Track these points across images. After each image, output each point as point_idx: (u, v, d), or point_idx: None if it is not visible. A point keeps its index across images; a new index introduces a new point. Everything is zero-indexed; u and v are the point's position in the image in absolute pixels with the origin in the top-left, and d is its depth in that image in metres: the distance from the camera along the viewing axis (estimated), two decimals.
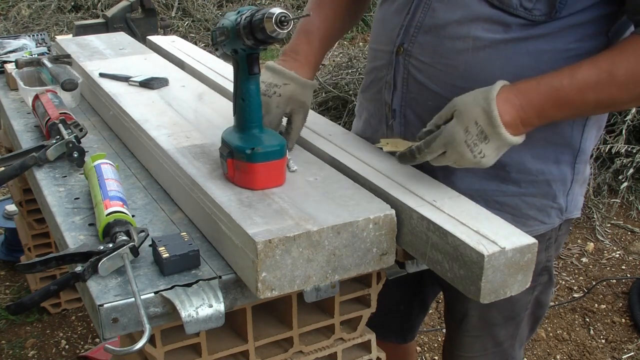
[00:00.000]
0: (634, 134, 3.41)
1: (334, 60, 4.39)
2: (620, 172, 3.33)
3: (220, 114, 1.42)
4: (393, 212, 1.01)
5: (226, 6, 6.56)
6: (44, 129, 1.46)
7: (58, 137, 1.38)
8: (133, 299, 0.92)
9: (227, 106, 1.43)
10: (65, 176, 1.33)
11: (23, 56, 1.92)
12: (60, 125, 1.41)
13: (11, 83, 1.90)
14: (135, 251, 1.00)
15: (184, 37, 5.63)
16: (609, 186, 3.40)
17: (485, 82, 1.04)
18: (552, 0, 1.03)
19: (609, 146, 3.23)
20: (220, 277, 0.99)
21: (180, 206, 1.20)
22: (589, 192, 3.29)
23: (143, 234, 1.03)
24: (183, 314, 0.92)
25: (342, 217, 0.98)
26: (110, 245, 1.01)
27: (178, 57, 1.96)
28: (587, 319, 2.64)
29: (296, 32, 1.31)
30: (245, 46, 1.02)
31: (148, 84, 1.61)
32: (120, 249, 0.98)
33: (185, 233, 1.05)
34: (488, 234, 0.93)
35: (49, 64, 1.79)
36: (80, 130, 1.42)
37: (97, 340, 2.47)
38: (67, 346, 2.45)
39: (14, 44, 2.15)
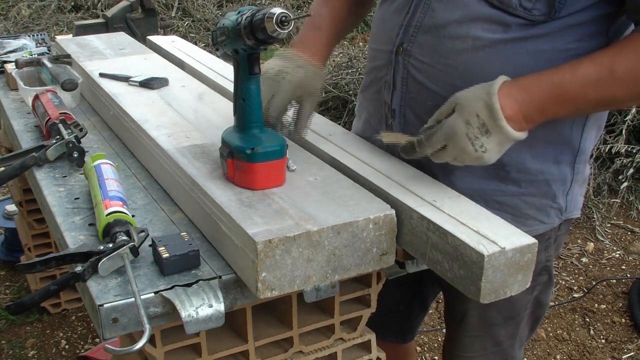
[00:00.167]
0: (634, 134, 3.41)
1: (334, 60, 4.38)
2: (620, 172, 3.33)
3: (220, 114, 1.42)
4: (393, 212, 1.01)
5: (226, 6, 6.56)
6: (44, 129, 1.46)
7: (58, 137, 1.38)
8: (133, 299, 0.92)
9: (227, 106, 1.43)
10: (65, 176, 1.33)
11: (23, 56, 1.92)
12: (60, 125, 1.41)
13: (11, 83, 1.90)
14: (135, 251, 1.00)
15: (184, 37, 5.63)
16: (609, 186, 3.41)
17: (485, 82, 1.04)
18: (551, 0, 1.03)
19: (609, 146, 3.23)
20: (220, 277, 0.99)
21: (180, 206, 1.20)
22: (589, 192, 3.29)
23: (143, 234, 1.03)
24: (183, 314, 0.92)
25: (342, 217, 0.98)
26: (110, 245, 1.01)
27: (178, 57, 1.96)
28: (587, 319, 2.64)
29: (304, 26, 1.31)
30: (245, 46, 1.02)
31: (148, 84, 1.61)
32: (120, 249, 0.98)
33: (185, 233, 1.05)
34: (488, 234, 0.93)
35: (49, 64, 1.79)
36: (80, 130, 1.42)
37: (97, 340, 2.47)
38: (67, 346, 2.45)
39: (14, 44, 2.15)
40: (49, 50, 2.13)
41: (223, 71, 1.76)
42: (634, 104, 1.10)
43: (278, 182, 1.09)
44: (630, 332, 2.55)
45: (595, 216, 3.25)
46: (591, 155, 1.55)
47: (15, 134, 1.59)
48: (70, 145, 1.36)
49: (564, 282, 2.86)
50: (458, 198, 1.05)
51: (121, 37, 2.22)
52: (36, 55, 1.91)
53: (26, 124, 1.64)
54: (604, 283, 2.83)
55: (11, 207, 2.81)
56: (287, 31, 0.95)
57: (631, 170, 3.26)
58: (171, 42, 2.16)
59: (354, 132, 1.39)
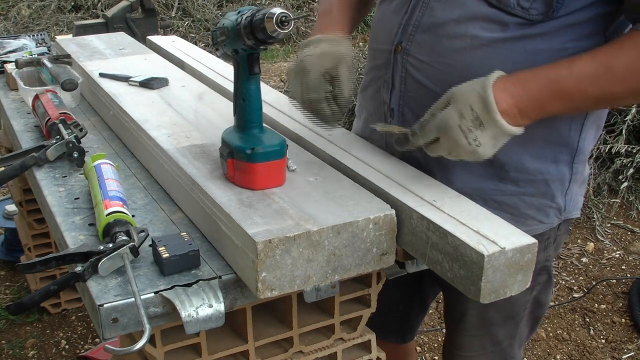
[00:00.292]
0: (634, 134, 3.41)
1: None
2: (620, 172, 3.33)
3: (220, 114, 1.42)
4: (393, 212, 1.01)
5: (226, 6, 6.56)
6: (44, 129, 1.46)
7: (58, 137, 1.38)
8: (133, 299, 0.92)
9: (227, 106, 1.43)
10: (65, 176, 1.34)
11: (23, 56, 1.92)
12: (60, 125, 1.41)
13: (11, 83, 1.90)
14: (135, 251, 1.00)
15: (184, 37, 5.63)
16: (609, 186, 3.41)
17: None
18: None
19: (609, 146, 3.23)
20: (220, 277, 0.99)
21: (180, 206, 1.20)
22: (589, 192, 3.29)
23: (143, 234, 1.03)
24: (183, 314, 0.92)
25: (342, 217, 0.98)
26: (110, 245, 1.01)
27: (178, 57, 1.97)
28: (587, 319, 2.64)
29: (317, 17, 1.30)
30: (245, 46, 1.02)
31: (148, 84, 1.61)
32: (120, 249, 0.98)
33: (185, 233, 1.05)
34: (488, 234, 0.93)
35: (49, 64, 1.79)
36: (80, 130, 1.43)
37: (97, 340, 2.47)
38: (67, 346, 2.45)
39: (14, 44, 2.15)
40: (49, 50, 2.13)
41: (223, 71, 1.76)
42: (631, 102, 1.09)
43: (278, 182, 1.09)
44: (630, 332, 2.55)
45: (595, 216, 3.25)
46: (591, 155, 1.55)
47: (15, 134, 1.59)
48: (70, 145, 1.36)
49: (564, 282, 2.86)
50: (458, 198, 1.05)
51: (121, 37, 2.22)
52: (36, 55, 1.91)
53: (26, 124, 1.64)
54: (604, 283, 2.83)
55: (11, 207, 2.81)
56: (287, 31, 0.95)
57: (631, 170, 3.26)
58: (171, 42, 2.16)
59: (354, 132, 1.39)
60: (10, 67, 1.90)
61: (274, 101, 1.51)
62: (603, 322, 2.62)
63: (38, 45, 2.19)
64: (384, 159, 1.20)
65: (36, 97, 1.58)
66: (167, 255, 0.98)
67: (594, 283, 2.82)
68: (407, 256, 1.07)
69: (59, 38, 2.22)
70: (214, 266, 1.02)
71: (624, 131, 3.22)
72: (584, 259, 3.02)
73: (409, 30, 1.17)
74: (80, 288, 1.02)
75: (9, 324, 2.53)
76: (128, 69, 1.75)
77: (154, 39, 2.24)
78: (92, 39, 2.18)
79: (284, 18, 0.93)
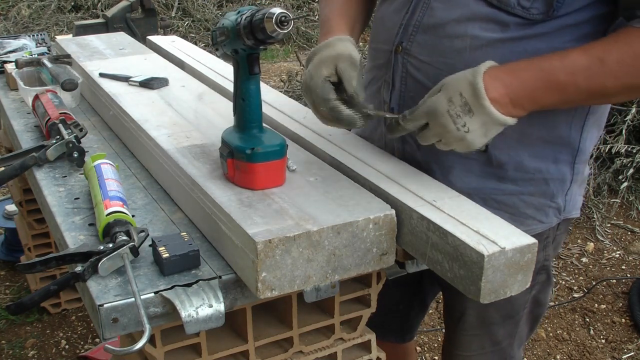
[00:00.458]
0: (634, 134, 3.41)
1: None
2: (620, 172, 3.33)
3: (220, 114, 1.42)
4: (393, 212, 1.01)
5: (226, 6, 6.56)
6: (44, 129, 1.46)
7: (58, 137, 1.38)
8: (133, 299, 0.92)
9: (227, 106, 1.43)
10: (65, 176, 1.34)
11: (23, 56, 1.92)
12: (60, 125, 1.41)
13: (11, 83, 1.90)
14: (135, 251, 1.00)
15: (184, 37, 5.63)
16: (609, 186, 3.41)
17: None
18: None
19: (609, 146, 3.23)
20: (220, 277, 0.99)
21: (180, 206, 1.20)
22: (588, 192, 3.29)
23: (143, 234, 1.03)
24: (183, 314, 0.92)
25: (342, 217, 0.98)
26: (110, 245, 1.01)
27: (178, 57, 1.97)
28: (587, 319, 2.64)
29: (320, 30, 1.29)
30: (245, 46, 1.02)
31: (148, 84, 1.61)
32: (120, 249, 0.98)
33: (185, 233, 1.05)
34: (488, 234, 0.93)
35: (49, 64, 1.79)
36: (80, 130, 1.43)
37: (97, 340, 2.47)
38: (67, 346, 2.45)
39: (14, 44, 2.15)
40: (49, 50, 2.13)
41: (223, 71, 1.76)
42: (624, 97, 1.08)
43: (278, 182, 1.09)
44: (630, 332, 2.55)
45: (595, 216, 3.25)
46: (591, 155, 1.55)
47: (15, 134, 1.59)
48: (70, 145, 1.36)
49: (564, 282, 2.86)
50: (458, 198, 1.05)
51: (121, 37, 2.22)
52: (36, 55, 1.91)
53: (26, 124, 1.64)
54: (604, 283, 2.83)
55: (11, 207, 2.81)
56: (286, 31, 0.95)
57: (631, 170, 3.26)
58: (171, 42, 2.16)
59: (354, 132, 1.39)
60: (10, 67, 1.90)
61: (274, 101, 1.51)
62: (603, 322, 2.62)
63: (38, 45, 2.19)
64: (384, 159, 1.20)
65: (36, 97, 1.58)
66: (167, 255, 0.98)
67: (594, 283, 2.82)
68: (407, 256, 1.07)
69: (59, 38, 2.22)
70: (214, 266, 1.02)
71: (624, 131, 3.23)
72: (584, 259, 3.02)
73: (409, 31, 1.17)
74: (80, 288, 1.02)
75: (9, 324, 2.53)
76: (128, 69, 1.75)
77: (154, 39, 2.24)
78: (92, 39, 2.18)
79: (283, 18, 0.93)
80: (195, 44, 5.01)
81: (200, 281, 0.97)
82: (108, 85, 1.63)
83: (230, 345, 1.06)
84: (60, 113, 1.47)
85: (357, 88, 1.08)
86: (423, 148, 1.19)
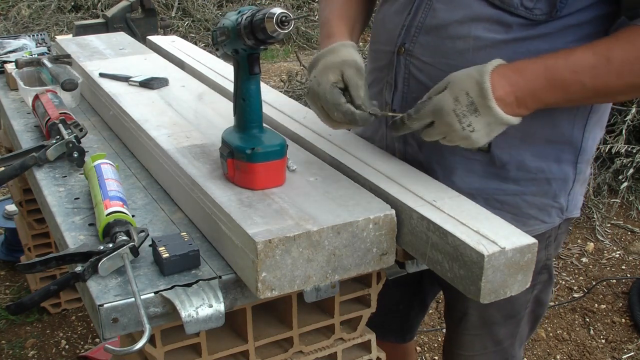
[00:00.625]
0: (634, 134, 3.41)
1: None
2: (620, 172, 3.33)
3: (220, 114, 1.42)
4: (393, 212, 1.01)
5: (226, 6, 6.56)
6: (44, 129, 1.46)
7: (58, 137, 1.38)
8: (133, 299, 0.92)
9: (227, 106, 1.43)
10: (65, 176, 1.34)
11: (23, 56, 1.92)
12: (60, 125, 1.41)
13: (11, 83, 1.90)
14: (135, 251, 1.00)
15: (184, 37, 5.63)
16: (609, 186, 3.41)
17: None
18: None
19: (609, 146, 3.24)
20: (220, 277, 0.99)
21: (180, 206, 1.20)
22: (589, 192, 3.29)
23: (143, 234, 1.03)
24: (183, 314, 0.92)
25: (342, 217, 0.98)
26: (110, 245, 1.01)
27: (178, 57, 1.97)
28: (587, 319, 2.64)
29: (320, 32, 1.29)
30: (246, 46, 1.02)
31: (148, 84, 1.61)
32: (120, 249, 0.98)
33: (185, 233, 1.05)
34: (488, 234, 0.93)
35: (49, 64, 1.79)
36: (80, 130, 1.43)
37: (97, 340, 2.47)
38: (67, 346, 2.45)
39: (14, 44, 2.15)
40: (49, 50, 2.13)
41: (223, 71, 1.76)
42: (627, 96, 1.09)
43: (278, 182, 1.09)
44: (630, 332, 2.55)
45: (595, 216, 3.25)
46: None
47: (15, 134, 1.59)
48: (70, 145, 1.36)
49: (564, 282, 2.86)
50: (458, 198, 1.05)
51: (121, 37, 2.22)
52: (36, 55, 1.91)
53: (26, 124, 1.64)
54: (604, 283, 2.83)
55: (11, 207, 2.81)
56: (287, 31, 0.95)
57: (631, 170, 3.27)
58: (171, 42, 2.16)
59: (354, 132, 1.39)
60: (10, 67, 1.90)
61: (274, 101, 1.51)
62: (603, 322, 2.62)
63: (38, 45, 2.19)
64: (384, 159, 1.20)
65: (36, 97, 1.58)
66: (167, 255, 0.98)
67: (594, 283, 2.82)
68: (407, 256, 1.07)
69: (59, 38, 2.22)
70: (214, 266, 1.02)
71: (624, 131, 3.23)
72: (584, 259, 3.02)
73: (412, 32, 1.17)
74: (80, 288, 1.02)
75: (9, 324, 2.53)
76: (128, 69, 1.75)
77: (154, 39, 2.24)
78: (92, 39, 2.18)
79: (284, 18, 0.93)
80: (195, 44, 5.01)
81: (200, 281, 0.97)
82: (108, 85, 1.63)
83: (230, 345, 1.06)
84: (60, 113, 1.47)
85: (365, 97, 1.09)
86: (425, 149, 1.19)
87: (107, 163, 1.24)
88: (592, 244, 3.12)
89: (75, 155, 1.35)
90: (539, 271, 1.28)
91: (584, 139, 1.18)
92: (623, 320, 2.62)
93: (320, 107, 1.11)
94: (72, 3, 6.47)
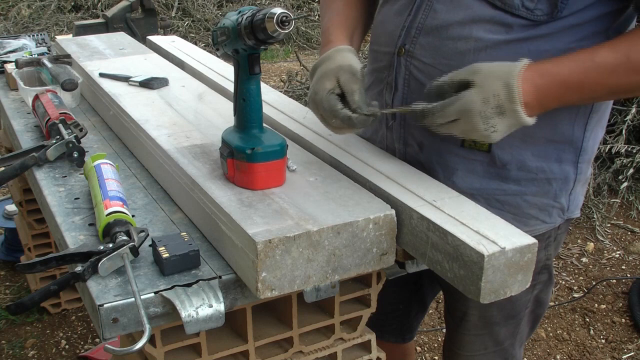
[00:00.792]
0: (634, 134, 3.41)
1: None
2: (620, 172, 3.33)
3: (220, 114, 1.42)
4: (393, 212, 1.01)
5: (226, 6, 6.56)
6: (44, 129, 1.46)
7: (58, 137, 1.38)
8: (133, 299, 0.92)
9: (227, 106, 1.43)
10: (65, 176, 1.34)
11: (23, 56, 1.92)
12: (60, 125, 1.41)
13: (11, 83, 1.90)
14: (135, 251, 1.00)
15: (184, 37, 5.64)
16: (609, 186, 3.41)
17: None
18: None
19: (609, 146, 3.24)
20: (220, 277, 0.99)
21: (180, 206, 1.20)
22: (589, 192, 3.29)
23: (143, 234, 1.03)
24: (183, 314, 0.92)
25: (342, 217, 0.98)
26: (110, 245, 1.01)
27: (178, 57, 1.97)
28: (587, 319, 2.64)
29: (321, 36, 1.29)
30: (246, 46, 1.02)
31: (148, 84, 1.61)
32: (120, 249, 0.98)
33: (185, 233, 1.05)
34: (488, 234, 0.93)
35: (49, 64, 1.79)
36: (80, 130, 1.43)
37: (97, 340, 2.47)
38: (67, 346, 2.45)
39: (14, 44, 2.15)
40: (49, 50, 2.13)
41: (223, 71, 1.76)
42: None
43: (278, 182, 1.09)
44: (630, 332, 2.55)
45: (595, 216, 3.25)
46: None
47: (15, 134, 1.59)
48: (70, 145, 1.36)
49: (564, 282, 2.86)
50: (458, 198, 1.05)
51: (121, 37, 2.22)
52: (36, 55, 1.91)
53: (26, 124, 1.64)
54: (604, 283, 2.83)
55: (11, 207, 2.81)
56: (287, 31, 0.95)
57: (631, 170, 3.27)
58: (171, 42, 2.16)
59: (355, 132, 1.39)
60: (10, 67, 1.90)
61: (274, 101, 1.51)
62: (603, 322, 2.62)
63: (38, 45, 2.19)
64: (384, 159, 1.20)
65: (36, 97, 1.58)
66: (167, 255, 0.98)
67: (594, 283, 2.82)
68: (407, 256, 1.07)
69: (59, 38, 2.22)
70: (214, 266, 1.02)
71: (624, 131, 3.23)
72: (584, 259, 3.02)
73: (412, 33, 1.16)
74: (80, 288, 1.02)
75: (9, 324, 2.53)
76: (128, 69, 1.75)
77: (154, 39, 2.24)
78: (92, 39, 2.18)
79: (284, 18, 0.93)
80: (195, 44, 5.01)
81: (200, 281, 0.97)
82: (108, 85, 1.63)
83: (230, 345, 1.06)
84: (60, 113, 1.47)
85: (360, 101, 1.09)
86: (425, 149, 1.19)
87: (107, 163, 1.24)
88: (592, 244, 3.12)
89: (75, 155, 1.35)
90: (539, 271, 1.28)
91: (585, 139, 1.18)
92: (623, 320, 2.62)
93: (320, 114, 1.12)
94: (72, 3, 6.47)
